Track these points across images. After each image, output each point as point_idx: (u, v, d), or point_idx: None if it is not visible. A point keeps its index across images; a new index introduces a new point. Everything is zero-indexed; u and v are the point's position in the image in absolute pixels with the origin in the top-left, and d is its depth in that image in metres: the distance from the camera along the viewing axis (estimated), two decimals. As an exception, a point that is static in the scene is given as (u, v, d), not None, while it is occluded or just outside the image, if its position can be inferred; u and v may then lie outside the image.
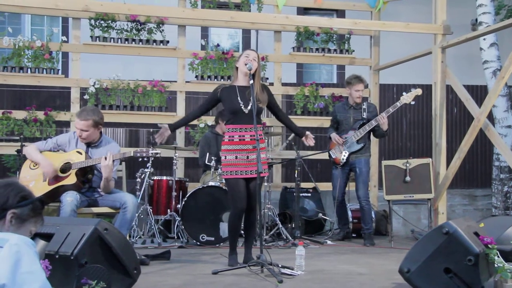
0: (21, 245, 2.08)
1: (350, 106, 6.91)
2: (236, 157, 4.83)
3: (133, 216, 4.97)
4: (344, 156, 6.80)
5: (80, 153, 4.99)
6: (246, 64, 4.79)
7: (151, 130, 9.17)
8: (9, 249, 2.05)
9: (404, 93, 6.72)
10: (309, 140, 5.20)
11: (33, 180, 4.97)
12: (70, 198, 4.70)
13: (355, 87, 6.84)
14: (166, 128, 4.94)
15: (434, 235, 3.52)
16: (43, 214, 2.44)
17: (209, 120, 7.88)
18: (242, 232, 5.21)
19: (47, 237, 3.32)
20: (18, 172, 5.48)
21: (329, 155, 6.99)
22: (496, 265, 3.60)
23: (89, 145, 5.13)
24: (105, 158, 4.83)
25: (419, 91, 6.69)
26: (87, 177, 5.04)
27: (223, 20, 7.72)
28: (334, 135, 6.89)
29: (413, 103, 6.82)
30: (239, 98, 4.83)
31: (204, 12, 7.75)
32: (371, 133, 6.93)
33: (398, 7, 9.76)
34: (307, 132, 5.23)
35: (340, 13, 10.57)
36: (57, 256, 3.18)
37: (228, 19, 7.55)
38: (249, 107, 4.77)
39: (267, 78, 8.06)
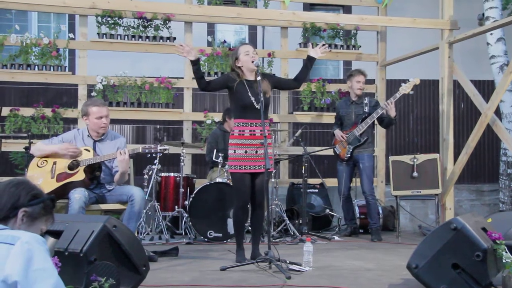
0: (33, 242, 2.09)
1: (352, 102, 6.94)
2: (246, 152, 4.86)
3: (141, 208, 4.96)
4: (348, 150, 6.82)
5: (88, 151, 5.01)
6: (252, 62, 4.83)
7: (158, 126, 9.19)
8: (20, 247, 2.06)
9: (402, 84, 6.74)
10: (318, 49, 5.19)
11: (41, 177, 4.96)
12: (78, 195, 4.70)
13: (356, 78, 6.88)
14: (194, 51, 4.84)
15: (442, 231, 3.52)
16: (53, 212, 2.45)
17: (216, 116, 7.88)
18: (250, 228, 5.23)
19: (56, 234, 3.33)
20: (25, 169, 5.50)
21: (334, 151, 7.03)
22: (504, 261, 3.58)
23: (95, 140, 5.16)
24: (120, 153, 4.84)
25: (417, 81, 6.73)
26: (95, 174, 5.06)
27: (230, 17, 7.70)
28: (337, 132, 6.93)
29: (411, 92, 6.80)
30: (249, 93, 4.86)
31: (210, 9, 7.75)
32: (377, 126, 6.93)
33: (404, 3, 9.72)
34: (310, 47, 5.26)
35: (347, 9, 10.54)
36: (66, 253, 3.19)
37: (235, 15, 7.55)
38: (260, 103, 4.78)
39: (274, 74, 8.05)
